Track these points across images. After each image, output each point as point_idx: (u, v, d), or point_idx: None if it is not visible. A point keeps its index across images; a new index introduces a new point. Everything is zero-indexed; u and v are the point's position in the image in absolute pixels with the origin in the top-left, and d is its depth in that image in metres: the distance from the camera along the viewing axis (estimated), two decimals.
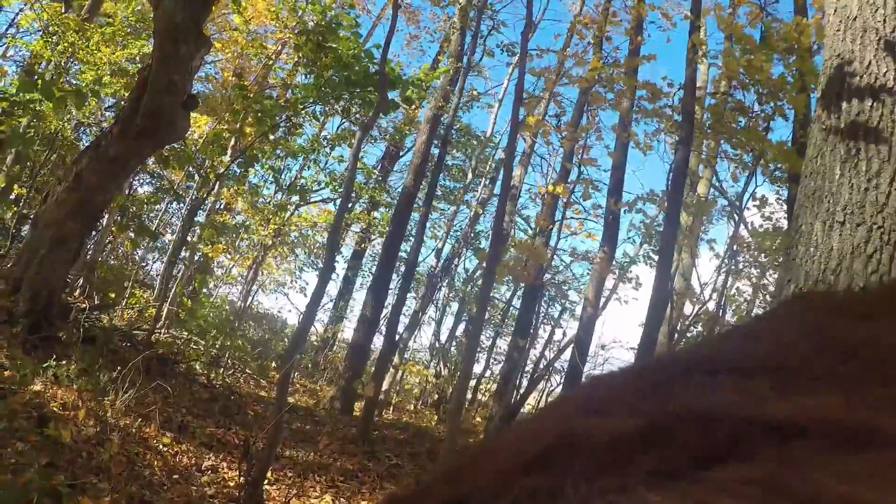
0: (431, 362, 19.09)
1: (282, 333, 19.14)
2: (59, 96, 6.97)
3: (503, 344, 19.92)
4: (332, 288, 20.12)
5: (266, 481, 6.01)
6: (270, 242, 14.73)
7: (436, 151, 15.13)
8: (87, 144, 8.89)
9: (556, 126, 13.71)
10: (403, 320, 14.89)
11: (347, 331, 19.04)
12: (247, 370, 11.89)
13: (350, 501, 6.90)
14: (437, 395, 16.76)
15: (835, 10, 2.51)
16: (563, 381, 13.78)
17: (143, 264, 18.38)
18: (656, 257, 9.01)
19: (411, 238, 16.16)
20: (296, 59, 11.86)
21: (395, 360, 13.40)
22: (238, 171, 12.26)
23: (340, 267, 19.32)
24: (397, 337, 12.65)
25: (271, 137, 11.74)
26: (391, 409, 14.36)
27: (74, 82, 10.57)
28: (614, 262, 12.48)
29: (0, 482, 3.84)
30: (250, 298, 18.18)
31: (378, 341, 13.90)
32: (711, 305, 12.60)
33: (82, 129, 12.45)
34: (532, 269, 12.21)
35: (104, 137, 7.05)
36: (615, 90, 9.18)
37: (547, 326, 19.17)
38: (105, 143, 6.91)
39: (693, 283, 12.83)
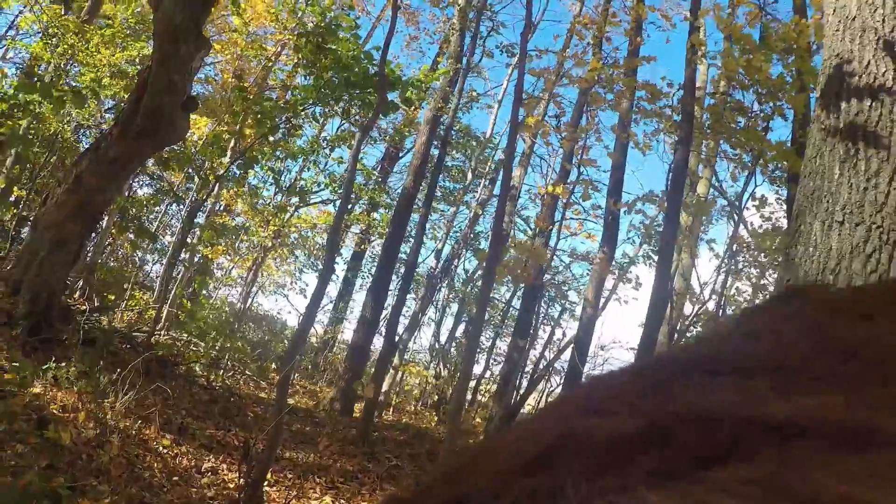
0: (431, 363, 19.08)
1: (281, 335, 19.14)
2: (58, 97, 6.98)
3: (503, 345, 19.94)
4: (332, 289, 20.13)
5: (266, 483, 6.01)
6: (270, 244, 14.74)
7: (435, 152, 15.12)
8: (86, 146, 8.90)
9: (555, 127, 13.70)
10: (403, 321, 14.88)
11: (347, 332, 19.05)
12: (247, 372, 11.89)
13: (350, 502, 6.90)
14: (436, 396, 16.75)
15: (834, 10, 2.51)
16: (562, 381, 13.79)
17: (143, 266, 18.38)
18: (656, 257, 9.02)
19: (411, 239, 16.16)
20: (295, 61, 11.86)
21: (395, 361, 13.39)
22: (238, 172, 12.26)
23: (340, 268, 19.34)
24: (397, 338, 12.64)
25: (271, 139, 11.74)
26: (391, 410, 14.36)
27: (74, 84, 10.56)
28: (614, 263, 12.48)
29: (0, 484, 3.84)
30: (250, 300, 18.20)
31: (378, 342, 13.91)
32: (711, 305, 12.61)
33: (82, 130, 12.46)
34: (532, 269, 12.21)
35: (104, 139, 7.05)
36: (615, 91, 9.18)
37: (547, 327, 19.18)
38: (105, 144, 6.91)
39: (693, 284, 12.84)
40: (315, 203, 15.80)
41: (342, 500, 6.85)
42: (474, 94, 19.14)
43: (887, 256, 1.99)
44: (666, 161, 14.51)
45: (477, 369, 17.84)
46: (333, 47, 10.18)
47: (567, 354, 12.26)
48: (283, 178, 14.87)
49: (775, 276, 9.28)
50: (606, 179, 12.68)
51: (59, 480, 4.26)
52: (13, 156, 11.03)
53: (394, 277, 15.20)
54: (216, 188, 12.34)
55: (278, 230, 14.27)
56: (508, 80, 18.46)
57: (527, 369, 15.62)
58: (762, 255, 11.28)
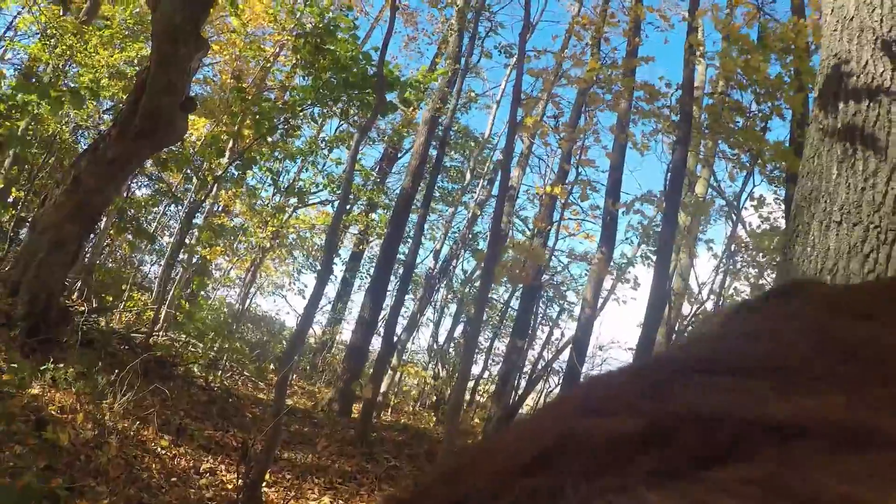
0: (430, 364, 19.09)
1: (280, 335, 19.13)
2: (56, 97, 6.97)
3: (501, 345, 19.94)
4: (331, 290, 20.10)
5: (264, 483, 6.01)
6: (268, 244, 14.74)
7: (434, 153, 15.12)
8: (85, 147, 8.89)
9: (553, 127, 13.73)
10: (401, 322, 14.86)
11: (346, 333, 19.02)
12: (245, 372, 11.88)
13: (348, 503, 6.90)
14: (435, 397, 16.76)
15: (832, 10, 2.51)
16: (561, 381, 13.80)
17: (141, 267, 18.36)
18: (654, 257, 9.03)
19: (409, 239, 16.16)
20: (294, 62, 11.86)
21: (394, 361, 13.39)
22: (236, 173, 12.25)
23: (338, 269, 19.33)
24: (395, 338, 12.64)
25: (269, 140, 11.74)
26: (389, 410, 14.35)
27: (73, 85, 10.55)
28: (612, 263, 12.49)
29: None
30: (248, 301, 18.20)
31: (376, 343, 13.92)
32: (709, 305, 12.62)
33: (80, 131, 12.44)
34: (530, 269, 12.22)
35: (102, 140, 7.04)
36: (613, 91, 9.19)
37: (545, 327, 19.19)
38: (103, 145, 6.90)
39: (691, 284, 12.86)
40: (313, 204, 15.83)
41: (340, 501, 6.85)
42: (473, 94, 19.16)
43: (885, 256, 1.99)
44: (664, 161, 14.52)
45: (475, 369, 17.84)
46: (332, 48, 10.18)
47: (565, 355, 12.27)
48: (281, 179, 14.90)
49: (773, 275, 9.28)
50: (605, 180, 12.70)
51: (58, 481, 4.26)
52: (11, 157, 11.03)
53: (392, 278, 15.21)
54: (214, 189, 12.34)
55: (277, 231, 14.28)
56: (507, 80, 18.46)
57: (525, 369, 15.63)
58: (760, 254, 11.30)
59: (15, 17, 12.55)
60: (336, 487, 7.23)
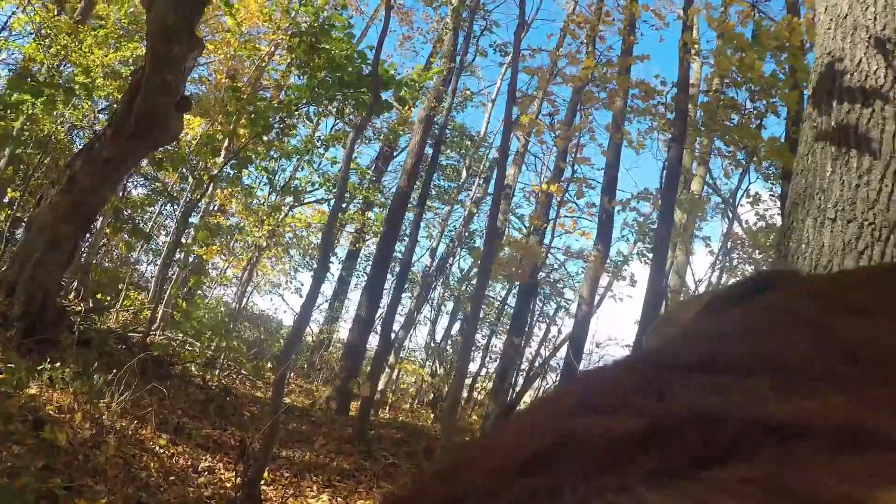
0: (427, 361, 19.09)
1: (277, 334, 19.09)
2: (49, 96, 6.95)
3: (498, 342, 19.93)
4: (327, 288, 20.07)
5: (262, 482, 6.00)
6: (265, 243, 14.71)
7: (429, 151, 15.11)
8: (80, 147, 8.86)
9: (549, 125, 13.73)
10: (399, 320, 14.88)
11: (343, 331, 19.01)
12: (242, 371, 11.87)
13: (347, 501, 6.90)
14: (433, 394, 16.76)
15: (826, 9, 2.51)
16: (558, 378, 13.82)
17: (138, 266, 18.32)
18: (650, 255, 9.04)
19: (406, 238, 16.15)
20: (289, 61, 11.84)
21: (391, 359, 13.40)
22: (232, 172, 12.22)
23: (335, 267, 19.33)
24: (393, 336, 12.65)
25: (265, 139, 11.71)
26: (387, 408, 14.35)
27: (67, 85, 10.52)
28: (608, 261, 12.50)
29: None
30: (245, 299, 18.16)
31: (373, 341, 13.91)
32: None
33: (76, 131, 12.40)
34: (527, 267, 12.22)
35: (97, 139, 7.03)
36: (608, 89, 9.20)
37: (542, 324, 19.22)
38: (98, 145, 6.88)
39: (688, 281, 12.87)
40: (309, 202, 15.79)
41: (339, 499, 6.85)
42: (468, 92, 19.14)
43: (879, 253, 1.99)
44: (660, 159, 14.53)
45: (473, 367, 17.87)
46: (327, 47, 10.16)
47: (563, 352, 12.27)
48: (277, 178, 14.87)
49: None
50: (600, 177, 12.70)
51: (56, 481, 4.25)
52: (6, 156, 10.99)
53: (389, 276, 15.19)
54: (210, 188, 12.31)
55: (273, 230, 14.25)
56: (502, 78, 18.43)
57: (523, 367, 15.65)
58: (756, 251, 11.31)
59: (9, 17, 12.51)
60: (334, 485, 7.23)
